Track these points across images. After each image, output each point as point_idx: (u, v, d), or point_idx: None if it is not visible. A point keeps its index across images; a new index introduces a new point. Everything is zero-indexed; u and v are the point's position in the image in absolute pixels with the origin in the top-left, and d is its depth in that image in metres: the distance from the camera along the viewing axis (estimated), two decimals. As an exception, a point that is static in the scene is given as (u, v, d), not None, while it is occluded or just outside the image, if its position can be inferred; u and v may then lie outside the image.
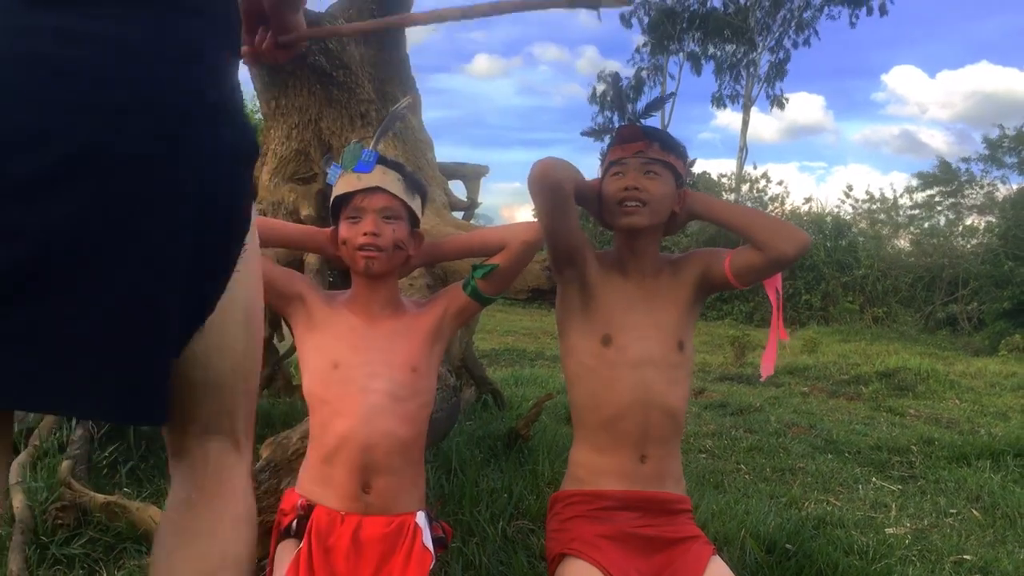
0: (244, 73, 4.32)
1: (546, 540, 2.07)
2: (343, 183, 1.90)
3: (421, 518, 1.92)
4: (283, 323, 4.55)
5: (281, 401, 4.32)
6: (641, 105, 2.15)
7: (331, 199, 1.96)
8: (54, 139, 0.93)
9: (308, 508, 1.89)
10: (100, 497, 2.46)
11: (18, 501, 2.41)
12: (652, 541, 1.95)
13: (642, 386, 2.00)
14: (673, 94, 23.77)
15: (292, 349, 4.64)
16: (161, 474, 2.99)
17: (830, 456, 4.94)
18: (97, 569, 2.30)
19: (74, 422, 2.84)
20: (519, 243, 1.99)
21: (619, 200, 2.01)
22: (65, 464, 2.56)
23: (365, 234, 1.87)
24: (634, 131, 2.06)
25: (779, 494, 3.85)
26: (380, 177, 1.89)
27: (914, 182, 22.54)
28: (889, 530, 3.41)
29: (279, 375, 4.74)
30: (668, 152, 2.03)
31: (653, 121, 2.21)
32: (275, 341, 4.68)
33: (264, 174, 3.94)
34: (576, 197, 2.04)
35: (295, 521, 1.88)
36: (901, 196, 22.63)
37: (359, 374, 1.90)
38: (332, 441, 1.88)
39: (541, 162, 1.95)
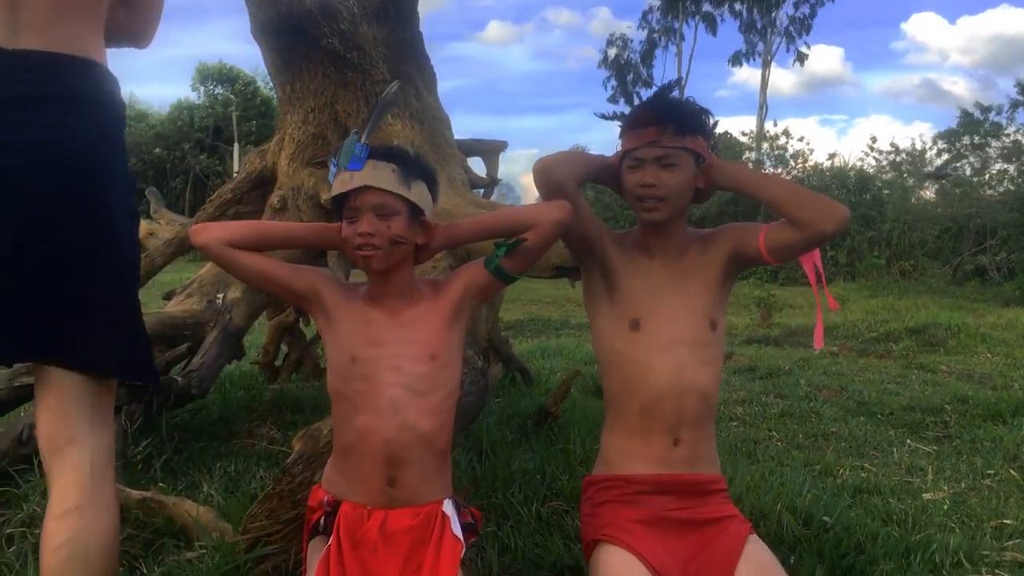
0: (256, 52, 4.25)
1: (580, 523, 2.06)
2: (338, 182, 1.85)
3: (448, 506, 1.90)
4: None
5: (310, 386, 4.33)
6: (648, 90, 2.05)
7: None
8: None
9: (335, 504, 1.88)
10: (136, 493, 2.47)
11: (56, 501, 2.43)
12: (686, 523, 1.93)
13: (676, 370, 1.96)
14: (680, 80, 23.53)
15: (319, 335, 4.65)
16: (195, 467, 3.02)
17: (863, 419, 4.90)
18: (136, 565, 2.32)
19: (122, 391, 2.86)
20: (550, 223, 1.89)
21: (638, 196, 1.97)
22: (100, 461, 2.57)
23: (360, 234, 1.82)
24: (646, 115, 1.96)
25: (813, 462, 3.83)
26: (370, 174, 1.82)
27: (938, 144, 22.12)
28: (927, 495, 3.38)
29: (307, 359, 4.76)
30: (684, 135, 1.93)
31: (672, 76, 2.12)
32: (302, 325, 4.70)
33: (282, 159, 3.92)
34: (593, 179, 2.07)
35: (323, 518, 1.88)
36: (930, 149, 22.19)
37: (377, 369, 1.87)
38: (353, 436, 1.87)
39: (541, 161, 1.96)
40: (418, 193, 1.87)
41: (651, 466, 1.98)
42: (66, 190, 1.59)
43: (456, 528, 1.88)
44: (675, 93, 2.06)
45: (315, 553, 1.86)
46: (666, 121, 1.92)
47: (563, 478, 2.98)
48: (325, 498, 1.91)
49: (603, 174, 2.07)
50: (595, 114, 2.18)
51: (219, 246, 1.88)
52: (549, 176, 1.96)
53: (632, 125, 1.98)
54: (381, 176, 1.82)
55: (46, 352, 1.65)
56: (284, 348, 4.75)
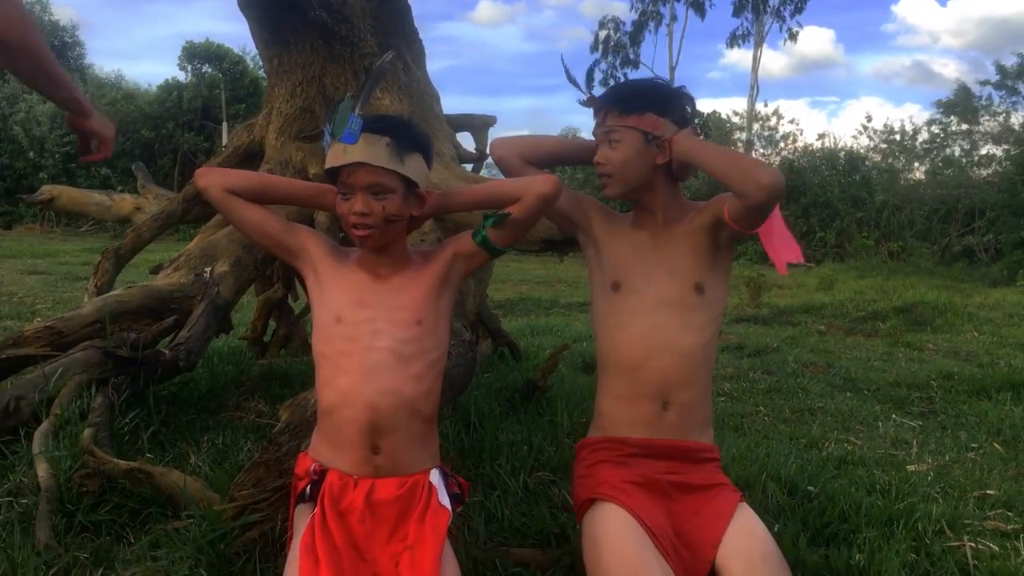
0: (245, 30, 4.23)
1: (573, 486, 2.09)
2: (332, 154, 1.83)
3: (435, 476, 1.91)
4: (296, 283, 4.56)
5: (299, 361, 4.32)
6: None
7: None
8: None
9: (321, 472, 1.87)
10: (123, 464, 2.47)
11: (43, 470, 2.43)
12: (678, 487, 1.98)
13: (655, 330, 2.03)
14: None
15: (307, 308, 4.64)
16: (183, 438, 3.02)
17: (849, 395, 4.94)
18: (124, 535, 2.32)
19: (94, 390, 2.85)
20: (535, 196, 1.91)
21: (597, 175, 2.11)
22: (87, 432, 2.57)
23: (355, 213, 1.81)
24: (593, 103, 2.14)
25: (799, 435, 3.85)
26: (363, 150, 1.79)
27: (928, 114, 22.11)
28: (911, 467, 3.41)
29: (296, 335, 4.75)
30: (628, 114, 2.03)
31: (661, 68, 2.22)
32: (290, 300, 4.69)
33: (270, 133, 3.90)
34: (565, 162, 2.31)
35: (309, 486, 1.87)
36: (929, 126, 22.04)
37: (363, 331, 1.87)
38: (335, 399, 1.87)
39: (491, 143, 2.09)
40: (413, 166, 1.85)
41: (641, 430, 2.03)
42: None
43: (443, 498, 1.88)
44: (649, 79, 2.21)
45: (301, 520, 1.86)
46: (609, 104, 2.08)
47: (550, 449, 2.99)
48: (312, 466, 1.90)
49: (580, 155, 2.24)
50: (578, 102, 2.27)
51: (220, 192, 1.92)
52: (493, 153, 2.16)
53: (592, 110, 2.15)
54: (375, 152, 1.79)
55: None
56: (272, 324, 4.74)
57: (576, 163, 2.30)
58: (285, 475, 2.12)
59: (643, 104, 2.04)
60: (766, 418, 4.26)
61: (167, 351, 3.08)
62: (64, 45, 27.37)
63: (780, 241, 2.15)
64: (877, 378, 5.36)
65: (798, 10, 28.23)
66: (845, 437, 3.92)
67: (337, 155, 1.81)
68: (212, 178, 1.95)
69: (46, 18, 27.30)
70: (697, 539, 1.88)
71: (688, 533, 1.89)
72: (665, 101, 2.06)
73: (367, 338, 1.87)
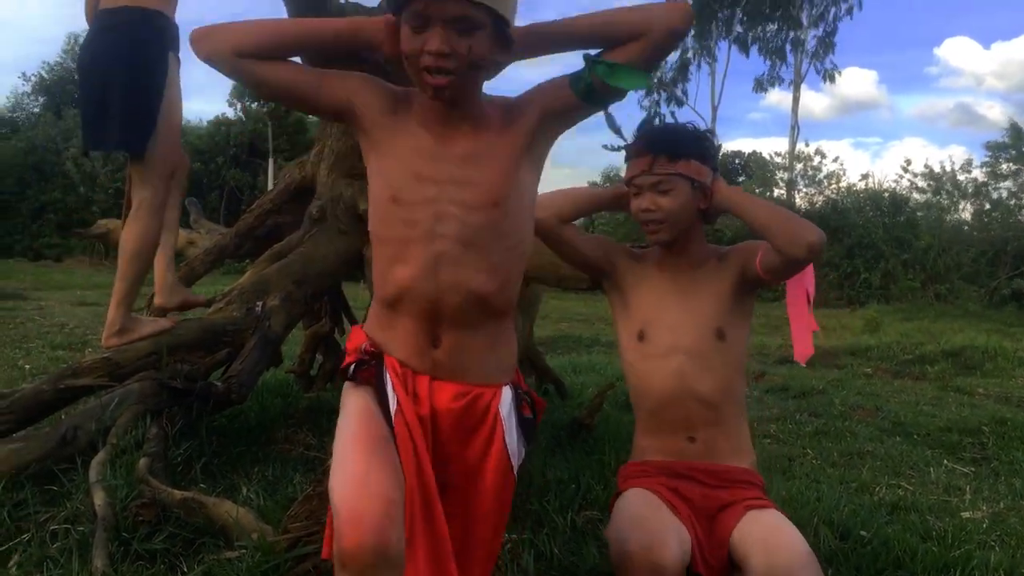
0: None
1: (611, 510, 2.14)
2: None
3: (506, 399, 1.61)
4: (343, 317, 4.60)
5: (345, 394, 4.35)
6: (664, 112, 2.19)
7: None
8: None
9: (373, 354, 1.60)
10: (177, 493, 2.50)
11: (99, 499, 2.47)
12: (707, 505, 2.04)
13: (675, 375, 2.09)
14: (658, 113, 23.57)
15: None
16: (234, 469, 3.05)
17: (898, 439, 4.85)
18: (177, 563, 2.35)
19: (149, 420, 2.90)
20: (664, 31, 1.53)
21: (641, 220, 2.12)
22: (143, 461, 2.61)
23: (431, 52, 1.44)
24: (638, 147, 2.11)
25: (849, 479, 3.79)
26: None
27: (972, 155, 21.91)
28: (965, 514, 3.34)
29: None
30: (677, 160, 2.06)
31: (703, 106, 2.24)
32: (336, 335, 4.73)
33: (321, 170, 3.97)
34: (599, 210, 2.33)
35: (354, 365, 1.61)
36: (970, 165, 21.82)
37: (424, 215, 1.53)
38: (392, 291, 1.58)
39: None
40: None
41: (669, 457, 2.12)
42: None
43: (511, 437, 1.60)
44: (681, 124, 2.23)
45: (351, 395, 1.59)
46: (658, 150, 2.07)
47: (597, 488, 2.98)
48: (364, 344, 1.63)
49: (614, 203, 2.25)
50: (603, 147, 2.28)
51: (228, 58, 1.56)
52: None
53: (630, 156, 2.14)
54: None
55: None
56: (319, 357, 4.79)
57: (610, 210, 2.34)
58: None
59: (689, 151, 2.08)
60: (814, 461, 4.20)
61: (220, 383, 3.12)
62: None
63: (800, 326, 2.23)
64: (927, 423, 5.26)
65: (830, 48, 28.06)
66: (896, 482, 3.85)
67: None
68: (215, 42, 1.56)
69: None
70: (717, 527, 1.98)
71: (709, 521, 2.00)
72: (706, 148, 2.12)
73: (429, 223, 1.53)
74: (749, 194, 2.17)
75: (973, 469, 4.21)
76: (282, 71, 1.59)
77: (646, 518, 1.86)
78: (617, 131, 2.16)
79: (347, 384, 1.62)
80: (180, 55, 3.02)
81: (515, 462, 1.62)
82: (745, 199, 2.10)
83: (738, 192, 2.12)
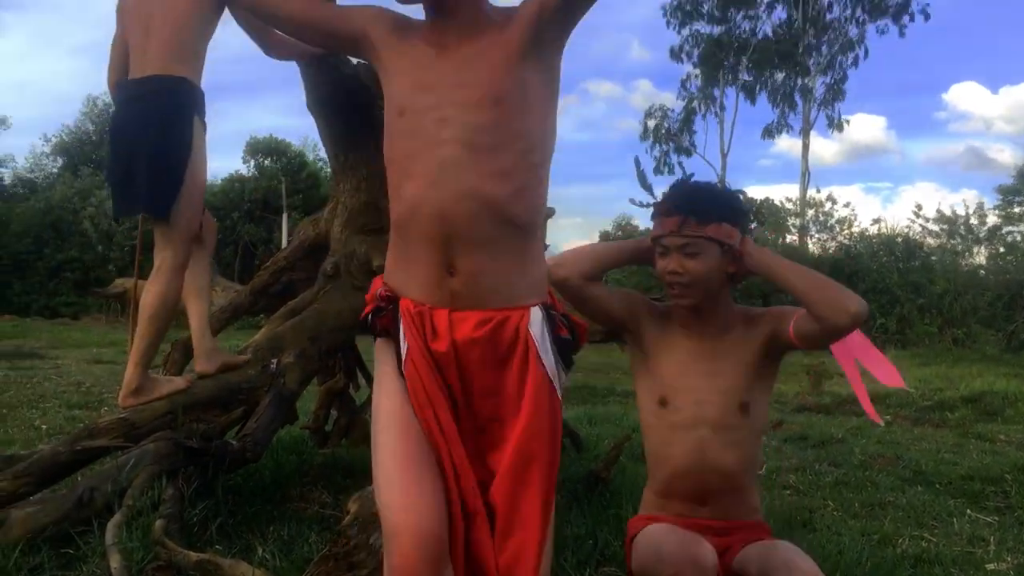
0: (306, 124, 4.41)
1: (627, 559, 2.15)
2: None
3: (536, 317, 1.52)
4: (358, 373, 4.61)
5: (360, 451, 4.34)
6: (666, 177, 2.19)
7: None
8: None
9: (389, 299, 1.59)
10: (193, 555, 2.49)
11: (116, 561, 2.46)
12: (719, 544, 2.02)
13: (696, 450, 2.06)
14: (692, 174, 23.80)
15: (369, 400, 4.68)
16: (249, 530, 3.04)
17: (920, 488, 4.78)
18: (193, 627, 2.33)
19: (165, 480, 2.90)
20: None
21: (667, 282, 2.08)
22: (159, 523, 2.61)
23: None
24: (667, 207, 2.07)
25: (871, 531, 3.73)
26: None
27: (983, 198, 21.95)
28: (990, 566, 3.28)
29: (357, 424, 4.78)
30: (707, 223, 2.01)
31: (712, 153, 2.25)
32: (351, 391, 4.73)
33: (335, 227, 4.01)
34: (623, 264, 2.28)
35: (372, 314, 1.60)
36: (982, 209, 21.84)
37: (428, 121, 1.51)
38: (403, 210, 1.56)
39: (550, 261, 2.03)
40: None
41: (679, 517, 2.10)
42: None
43: (548, 358, 1.52)
44: (713, 184, 2.19)
45: (383, 356, 1.59)
46: (688, 212, 2.02)
47: (615, 544, 2.94)
48: (379, 290, 1.61)
49: (635, 257, 2.23)
50: (630, 201, 2.28)
51: None
52: (555, 275, 2.03)
53: (658, 213, 2.10)
54: None
55: None
56: (334, 413, 4.78)
57: (633, 264, 2.31)
58: (354, 568, 2.12)
59: (718, 213, 2.03)
60: (835, 513, 4.14)
61: (235, 442, 3.12)
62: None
63: (861, 391, 2.21)
64: (948, 471, 5.19)
65: (839, 96, 28.31)
66: (919, 533, 3.79)
67: None
68: None
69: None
70: (728, 557, 2.00)
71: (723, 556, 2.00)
72: (736, 210, 2.08)
73: (432, 129, 1.51)
74: (780, 257, 2.11)
75: (996, 518, 4.15)
76: (294, 4, 1.66)
77: (675, 530, 1.92)
78: (648, 188, 2.16)
79: (376, 343, 1.61)
80: (206, 119, 3.08)
81: (557, 385, 1.54)
82: (778, 264, 2.05)
83: (769, 255, 2.07)
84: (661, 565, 1.81)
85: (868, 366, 2.24)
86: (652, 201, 2.13)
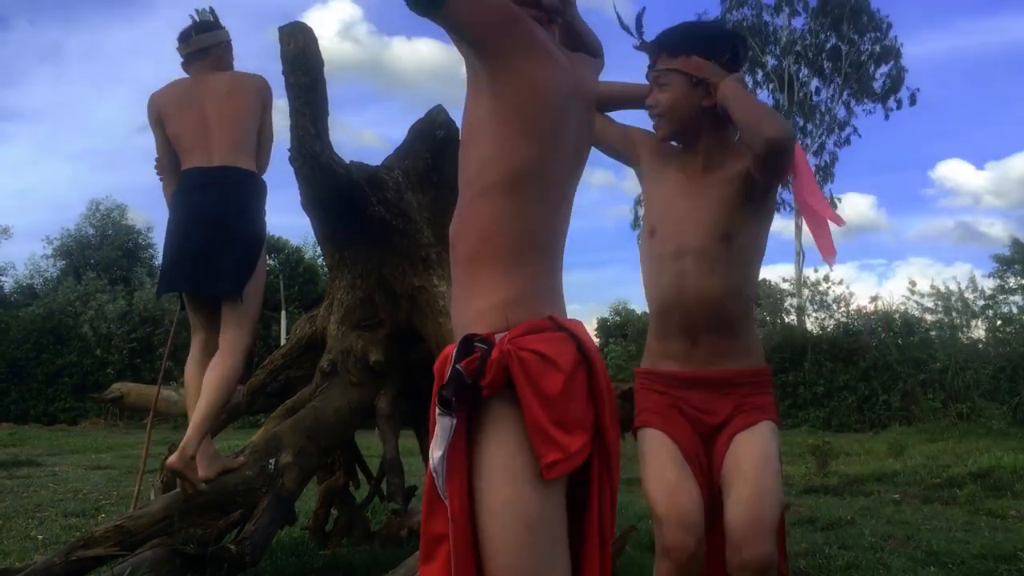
0: (303, 223, 4.48)
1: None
2: None
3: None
4: (357, 470, 4.56)
5: (361, 549, 4.27)
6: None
7: None
8: None
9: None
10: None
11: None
12: (709, 427, 2.14)
13: (678, 278, 2.11)
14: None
15: (370, 496, 4.64)
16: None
17: (933, 569, 4.69)
18: None
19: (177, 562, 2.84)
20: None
21: (649, 116, 2.20)
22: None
23: None
24: (644, 47, 2.18)
25: (885, 615, 3.65)
26: None
27: (977, 272, 22.09)
28: (1009, 648, 3.20)
29: (357, 522, 4.71)
30: (675, 56, 2.09)
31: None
32: (351, 488, 4.68)
33: (331, 324, 4.02)
34: (632, 101, 2.32)
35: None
36: (986, 276, 21.94)
37: None
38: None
39: None
40: None
41: (673, 363, 2.17)
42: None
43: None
44: (700, 21, 2.35)
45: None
46: (660, 48, 2.14)
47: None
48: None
49: (640, 98, 2.28)
50: (633, 46, 2.28)
51: None
52: None
53: (642, 49, 2.22)
54: None
55: None
56: (334, 512, 4.72)
57: (637, 106, 2.35)
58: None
59: (690, 46, 2.09)
60: (848, 598, 4.05)
61: (233, 546, 3.08)
62: (137, 246, 28.90)
63: (816, 224, 2.24)
64: (961, 550, 5.10)
65: (827, 179, 28.71)
66: (935, 616, 3.70)
67: None
68: None
69: (123, 222, 29.00)
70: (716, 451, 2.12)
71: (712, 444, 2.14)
72: (713, 43, 2.12)
73: None
74: (740, 89, 2.08)
75: (1014, 598, 4.06)
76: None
77: (664, 466, 2.06)
78: (626, 28, 2.22)
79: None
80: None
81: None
82: (734, 93, 2.05)
83: (731, 88, 2.07)
84: (648, 502, 2.04)
85: (812, 227, 2.31)
86: (637, 43, 2.21)
